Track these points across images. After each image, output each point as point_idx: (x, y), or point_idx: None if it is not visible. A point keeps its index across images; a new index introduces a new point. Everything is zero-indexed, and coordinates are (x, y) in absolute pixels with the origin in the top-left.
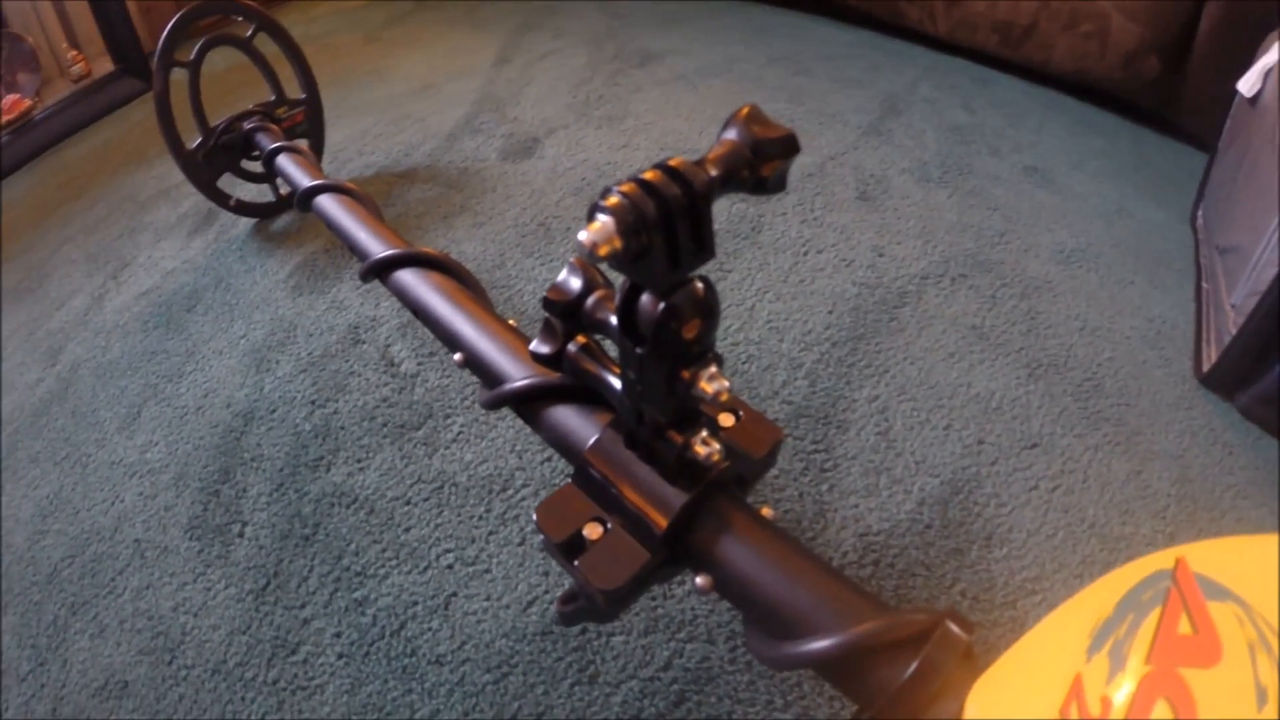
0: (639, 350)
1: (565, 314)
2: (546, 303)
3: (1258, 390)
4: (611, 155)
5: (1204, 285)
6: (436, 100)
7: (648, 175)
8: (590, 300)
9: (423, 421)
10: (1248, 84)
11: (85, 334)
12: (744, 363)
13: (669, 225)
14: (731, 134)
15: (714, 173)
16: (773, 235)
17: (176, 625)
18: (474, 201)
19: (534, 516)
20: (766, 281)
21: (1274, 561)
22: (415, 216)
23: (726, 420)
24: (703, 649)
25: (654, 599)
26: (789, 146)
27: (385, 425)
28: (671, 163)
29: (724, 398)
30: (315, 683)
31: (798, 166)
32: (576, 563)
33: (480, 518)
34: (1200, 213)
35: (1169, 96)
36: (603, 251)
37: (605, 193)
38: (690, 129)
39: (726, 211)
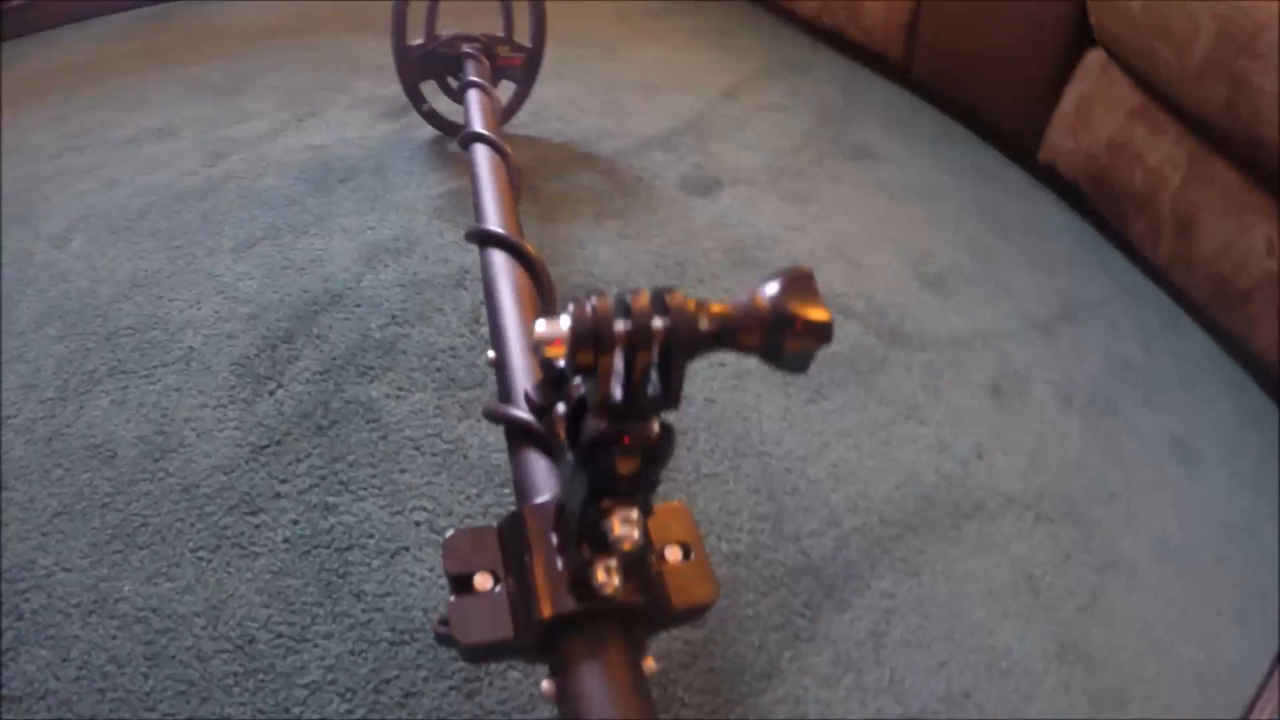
0: (570, 454)
1: (554, 381)
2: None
3: None
4: (779, 231)
5: None
6: (651, 103)
7: (635, 299)
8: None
9: (473, 385)
10: None
11: (250, 155)
12: (786, 492)
13: (630, 355)
14: (765, 292)
15: (705, 327)
16: (887, 383)
17: (178, 435)
18: (631, 213)
19: (445, 535)
20: (854, 425)
21: None
22: (573, 201)
23: (673, 554)
24: None
25: None
26: (818, 336)
27: (440, 371)
28: (669, 296)
29: (626, 546)
30: (254, 549)
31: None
32: (453, 599)
33: (470, 498)
34: None
35: None
36: (547, 352)
37: (584, 293)
38: (861, 243)
39: (854, 337)
